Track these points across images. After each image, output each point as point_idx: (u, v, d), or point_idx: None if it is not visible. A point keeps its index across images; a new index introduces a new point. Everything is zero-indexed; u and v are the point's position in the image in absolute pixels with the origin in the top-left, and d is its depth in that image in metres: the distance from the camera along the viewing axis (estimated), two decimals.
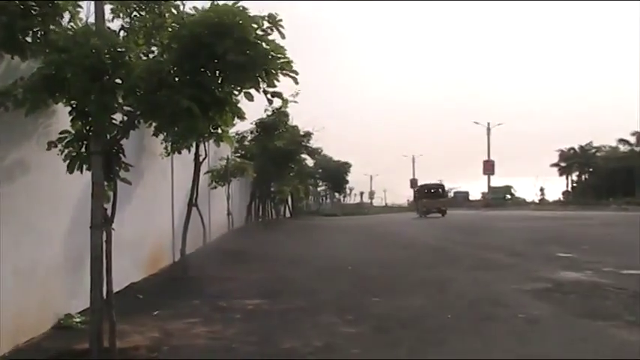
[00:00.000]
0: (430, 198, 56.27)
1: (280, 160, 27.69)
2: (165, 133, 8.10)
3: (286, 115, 26.37)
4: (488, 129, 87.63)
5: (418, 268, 13.19)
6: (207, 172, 18.10)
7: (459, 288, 10.18)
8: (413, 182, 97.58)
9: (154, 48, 6.60)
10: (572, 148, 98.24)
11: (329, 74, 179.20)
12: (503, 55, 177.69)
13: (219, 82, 5.45)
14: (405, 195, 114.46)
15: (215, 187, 19.70)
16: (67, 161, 5.60)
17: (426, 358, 5.89)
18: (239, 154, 25.71)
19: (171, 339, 6.60)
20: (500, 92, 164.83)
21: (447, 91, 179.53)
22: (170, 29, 6.18)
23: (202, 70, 5.39)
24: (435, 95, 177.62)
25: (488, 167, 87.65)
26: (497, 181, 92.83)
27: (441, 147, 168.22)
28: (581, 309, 8.09)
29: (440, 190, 59.61)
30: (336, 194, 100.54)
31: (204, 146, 12.24)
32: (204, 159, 12.29)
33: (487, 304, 8.49)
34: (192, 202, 11.92)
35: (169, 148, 10.93)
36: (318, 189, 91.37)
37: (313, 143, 31.72)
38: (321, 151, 37.01)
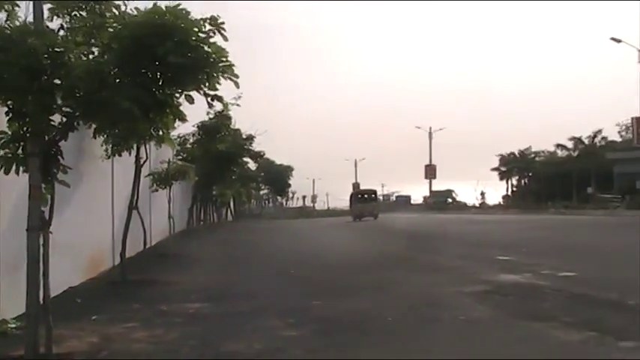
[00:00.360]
0: (363, 203, 59.24)
1: (222, 163, 27.46)
2: (105, 135, 8.00)
3: (229, 118, 26.16)
4: (430, 134, 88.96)
5: (360, 270, 13.27)
6: (149, 174, 17.87)
7: (400, 290, 10.27)
8: (355, 186, 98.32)
9: (94, 49, 6.51)
10: (512, 153, 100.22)
11: (271, 77, 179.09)
12: (442, 60, 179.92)
13: (160, 84, 5.41)
14: (347, 199, 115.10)
15: (156, 190, 19.44)
16: (3, 163, 5.49)
17: (366, 359, 5.93)
18: (181, 157, 25.44)
19: (111, 344, 6.50)
20: (441, 97, 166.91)
21: (389, 96, 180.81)
22: (111, 29, 6.09)
23: (143, 71, 5.34)
24: (377, 99, 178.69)
25: (430, 171, 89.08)
26: (439, 184, 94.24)
27: (383, 151, 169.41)
28: (520, 310, 8.24)
29: (372, 195, 63.33)
30: (279, 198, 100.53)
31: (145, 148, 12.09)
32: (144, 161, 12.15)
33: (428, 307, 8.59)
34: (132, 205, 11.78)
35: (110, 151, 10.75)
36: (261, 192, 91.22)
37: (256, 147, 31.62)
38: (264, 154, 36.84)
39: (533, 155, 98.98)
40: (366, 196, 61.99)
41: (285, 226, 43.60)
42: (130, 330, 7.16)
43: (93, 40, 6.50)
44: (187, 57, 5.12)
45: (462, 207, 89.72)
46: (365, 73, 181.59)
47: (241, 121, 29.08)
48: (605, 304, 8.60)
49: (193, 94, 5.53)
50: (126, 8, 6.41)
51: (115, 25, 5.98)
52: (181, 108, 5.75)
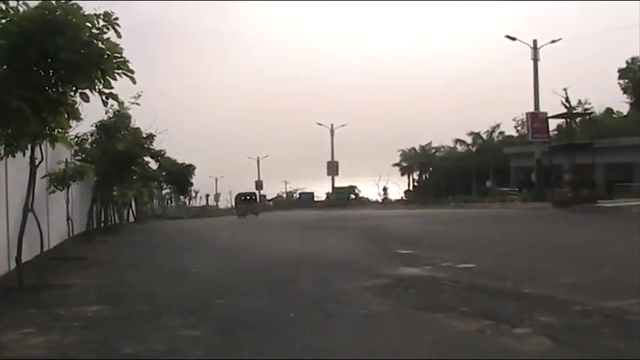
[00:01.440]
0: (245, 203, 69.46)
1: (123, 163, 26.88)
2: None
3: (128, 117, 25.65)
4: (332, 130, 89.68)
5: (261, 269, 13.25)
6: (45, 176, 17.33)
7: (302, 287, 10.34)
8: (258, 184, 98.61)
9: None
10: (413, 149, 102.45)
11: (170, 75, 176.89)
12: (344, 57, 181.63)
13: (53, 81, 5.26)
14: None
15: (54, 192, 18.87)
16: None
17: (268, 357, 5.94)
18: (80, 158, 24.81)
19: (5, 351, 6.29)
20: (343, 94, 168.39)
21: (291, 93, 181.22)
22: None
23: (35, 69, 5.18)
24: (279, 96, 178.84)
25: (332, 168, 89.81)
26: (342, 181, 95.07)
27: (288, 148, 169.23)
28: (420, 302, 8.46)
29: (253, 197, 75.28)
30: (181, 197, 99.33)
31: (41, 149, 11.72)
32: (40, 162, 11.76)
33: (330, 302, 8.68)
34: (27, 208, 11.40)
35: (2, 152, 10.39)
36: (163, 192, 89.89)
37: (156, 145, 31.05)
38: (165, 153, 36.14)
39: (433, 150, 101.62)
40: (248, 197, 73.01)
41: (188, 226, 43.44)
42: (25, 336, 6.94)
43: None
44: (80, 53, 4.99)
45: (365, 203, 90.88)
46: (267, 70, 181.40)
47: (142, 120, 28.31)
48: (501, 294, 8.94)
49: (88, 92, 5.38)
50: (17, 3, 6.19)
51: (2, 20, 5.76)
52: (79, 108, 5.62)
